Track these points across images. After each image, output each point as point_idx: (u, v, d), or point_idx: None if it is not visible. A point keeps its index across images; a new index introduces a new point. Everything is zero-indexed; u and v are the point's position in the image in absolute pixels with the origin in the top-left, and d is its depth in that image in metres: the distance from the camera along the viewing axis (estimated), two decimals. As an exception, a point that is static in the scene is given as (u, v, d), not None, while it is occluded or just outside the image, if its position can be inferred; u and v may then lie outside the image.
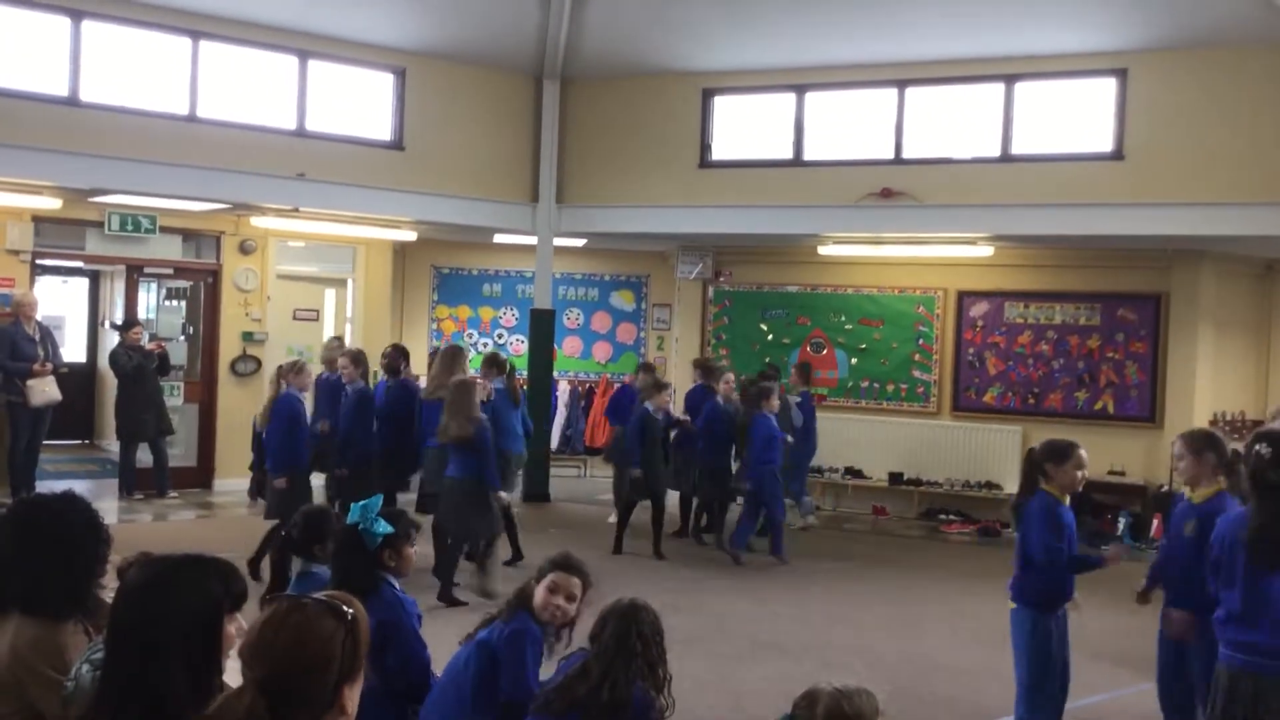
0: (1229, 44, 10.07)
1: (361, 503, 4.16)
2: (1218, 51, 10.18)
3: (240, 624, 2.41)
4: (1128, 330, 11.95)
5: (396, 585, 4.12)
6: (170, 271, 12.36)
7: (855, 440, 12.62)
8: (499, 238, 13.30)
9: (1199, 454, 4.91)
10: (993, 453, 12.30)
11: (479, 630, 4.07)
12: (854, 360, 13.07)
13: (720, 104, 12.29)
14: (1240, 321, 11.97)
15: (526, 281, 13.87)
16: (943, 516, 12.23)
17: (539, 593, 4.00)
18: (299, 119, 11.40)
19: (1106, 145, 10.73)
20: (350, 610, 2.18)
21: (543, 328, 12.71)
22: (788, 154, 11.99)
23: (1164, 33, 10.17)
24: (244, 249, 12.33)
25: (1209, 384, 11.68)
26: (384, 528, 4.06)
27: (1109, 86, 10.71)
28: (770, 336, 13.42)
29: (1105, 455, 11.12)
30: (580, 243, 13.54)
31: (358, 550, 4.04)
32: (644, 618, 3.75)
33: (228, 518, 11.08)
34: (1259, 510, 4.17)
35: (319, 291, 13.46)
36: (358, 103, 11.83)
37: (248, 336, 12.40)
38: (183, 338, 12.64)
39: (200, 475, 12.27)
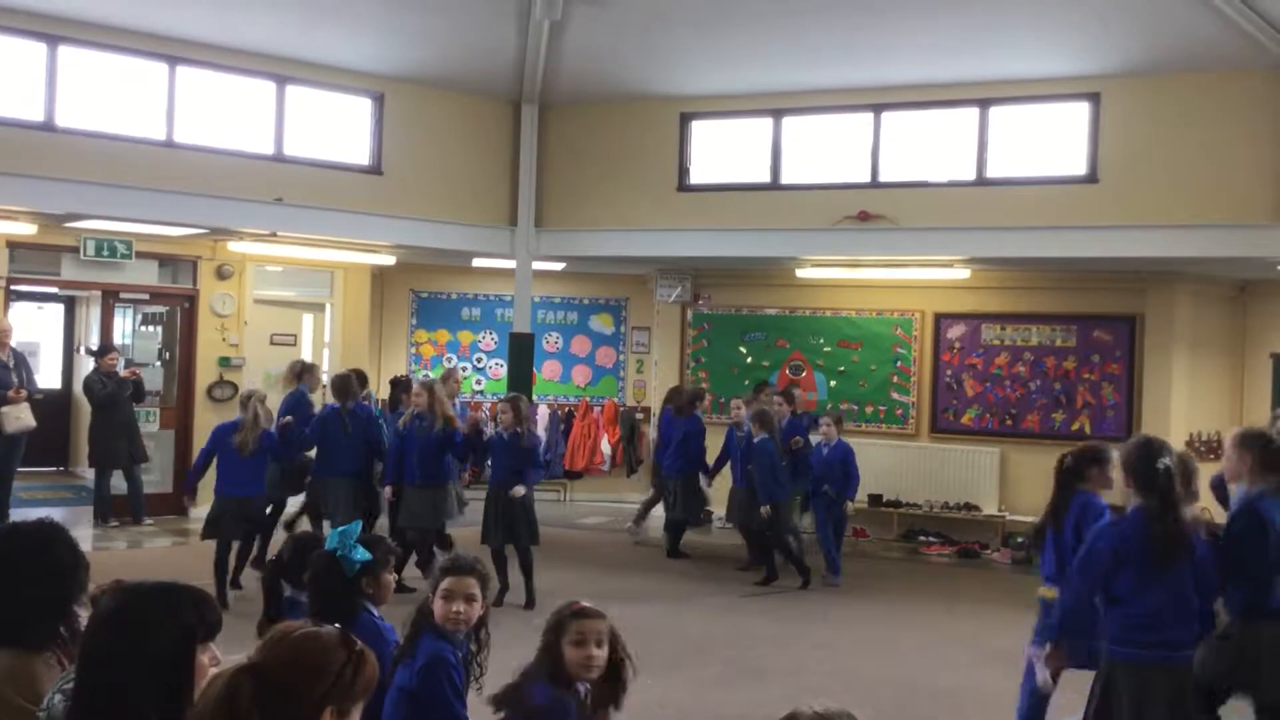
0: (1200, 68, 10.20)
1: (340, 529, 4.12)
2: (1189, 75, 10.31)
3: (214, 654, 2.38)
4: (1103, 351, 12.05)
5: (375, 613, 4.07)
6: (146, 297, 12.29)
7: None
8: (477, 262, 13.29)
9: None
10: (971, 474, 12.34)
11: (393, 669, 3.80)
12: (833, 383, 13.11)
13: (698, 128, 12.36)
14: (1214, 343, 12.08)
15: (505, 305, 13.87)
16: (922, 538, 12.25)
17: (436, 606, 3.83)
18: (277, 144, 11.39)
19: (1080, 168, 10.84)
20: (361, 646, 2.20)
21: (522, 351, 12.69)
22: (765, 177, 12.05)
23: (1136, 57, 10.30)
24: (221, 274, 12.28)
25: (1184, 405, 11.77)
26: (362, 554, 4.01)
27: (1082, 110, 10.83)
28: (749, 359, 13.45)
29: (1083, 476, 11.16)
30: (559, 266, 13.55)
31: (335, 577, 3.98)
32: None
33: (204, 545, 10.95)
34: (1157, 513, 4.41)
35: (297, 316, 13.41)
36: (336, 127, 11.83)
37: (224, 362, 12.33)
38: (159, 363, 12.56)
39: (176, 502, 12.10)
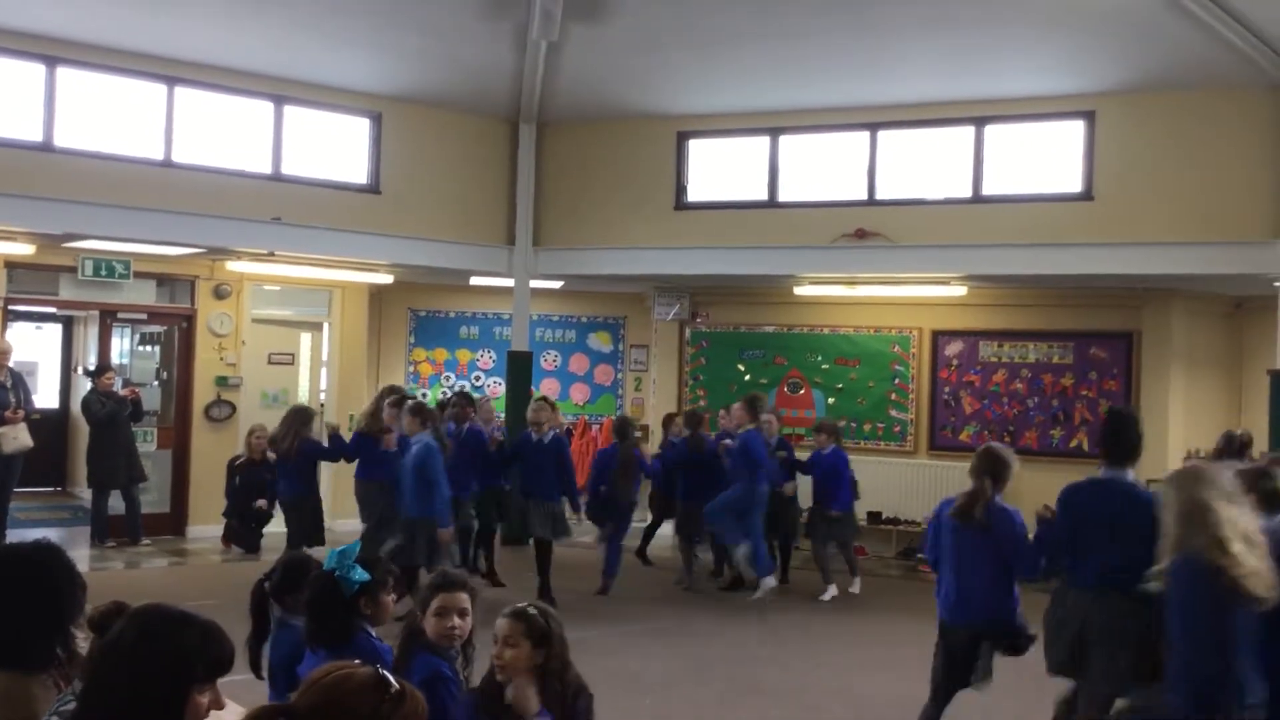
0: (1194, 87, 10.25)
1: (339, 549, 4.09)
2: (1183, 94, 10.36)
3: (216, 696, 2.29)
4: (1100, 368, 12.06)
5: (373, 634, 4.05)
6: (144, 316, 12.29)
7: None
8: (475, 280, 13.31)
9: None
10: (970, 491, 12.30)
11: None
12: (831, 400, 13.11)
13: (695, 146, 12.39)
14: (1211, 359, 12.09)
15: (504, 324, 13.87)
16: (920, 555, 12.21)
17: (429, 623, 3.84)
18: (274, 163, 11.41)
19: (1076, 186, 10.88)
20: (400, 687, 2.14)
21: (520, 370, 12.70)
22: (763, 195, 12.08)
23: (1130, 76, 10.34)
24: (219, 293, 12.28)
25: (1181, 421, 11.77)
26: (361, 575, 3.98)
27: (1077, 129, 10.87)
28: (748, 377, 13.45)
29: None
30: (557, 285, 13.56)
31: (333, 598, 3.95)
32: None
33: (201, 565, 10.95)
34: None
35: (295, 335, 13.41)
36: (334, 147, 11.86)
37: (222, 381, 12.32)
38: (156, 383, 12.54)
39: (174, 522, 12.13)
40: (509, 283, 12.67)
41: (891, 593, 10.81)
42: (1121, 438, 5.43)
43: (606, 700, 3.80)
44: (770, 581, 9.85)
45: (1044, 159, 11.11)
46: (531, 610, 3.66)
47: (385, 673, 2.19)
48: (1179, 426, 11.71)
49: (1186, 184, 10.36)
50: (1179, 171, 10.41)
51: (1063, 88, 10.70)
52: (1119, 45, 9.95)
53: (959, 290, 12.04)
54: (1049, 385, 12.22)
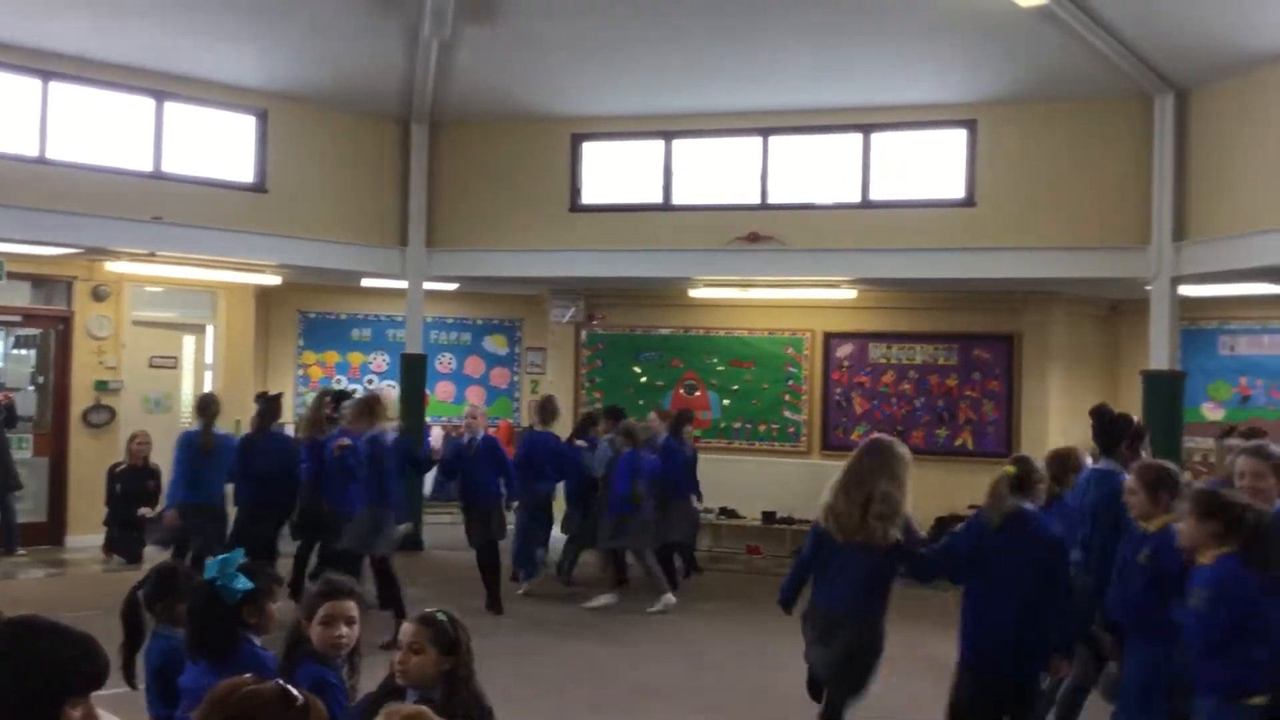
0: (1069, 97, 10.64)
1: (221, 556, 4.00)
2: (1059, 104, 10.74)
3: (90, 709, 2.21)
4: (984, 369, 12.43)
5: (257, 643, 3.96)
6: (19, 319, 11.84)
7: (729, 480, 12.73)
8: (367, 282, 13.10)
9: (1154, 490, 5.00)
10: (860, 490, 12.55)
11: None
12: (726, 401, 13.25)
13: (590, 149, 12.41)
14: (1089, 360, 12.57)
15: (397, 326, 13.69)
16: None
17: (315, 631, 3.76)
18: (155, 161, 11.07)
19: (959, 192, 11.20)
20: (305, 700, 2.12)
21: (414, 373, 12.55)
22: (658, 198, 12.16)
23: (1009, 86, 10.68)
24: (97, 295, 11.87)
25: (1060, 420, 12.20)
26: (243, 583, 3.90)
27: (960, 137, 11.20)
28: (644, 379, 13.51)
29: (965, 491, 11.43)
30: (452, 287, 13.44)
31: (215, 607, 3.86)
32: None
33: (81, 575, 10.58)
34: None
35: (177, 338, 13.06)
36: (218, 145, 11.55)
37: (101, 385, 11.91)
38: (32, 388, 12.07)
39: (51, 531, 11.70)
40: (402, 284, 12.51)
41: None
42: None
43: (503, 708, 3.76)
44: (605, 599, 9.85)
45: (929, 166, 11.41)
46: (440, 616, 3.59)
47: (288, 686, 2.16)
48: (1057, 425, 12.14)
49: (1063, 191, 10.74)
50: (1056, 179, 10.79)
51: (946, 97, 11.01)
52: (999, 56, 10.28)
53: (849, 293, 12.29)
54: (935, 386, 12.56)
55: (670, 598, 9.73)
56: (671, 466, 10.38)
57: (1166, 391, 10.38)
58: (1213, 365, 12.02)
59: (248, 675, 2.26)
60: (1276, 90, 9.26)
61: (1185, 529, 4.45)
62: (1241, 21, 8.92)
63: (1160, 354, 10.38)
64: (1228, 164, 9.82)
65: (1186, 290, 10.51)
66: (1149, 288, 10.47)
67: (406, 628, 3.58)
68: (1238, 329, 11.96)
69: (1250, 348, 11.92)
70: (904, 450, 5.67)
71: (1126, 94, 10.38)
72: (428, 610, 3.65)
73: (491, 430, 14.06)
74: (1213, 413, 11.90)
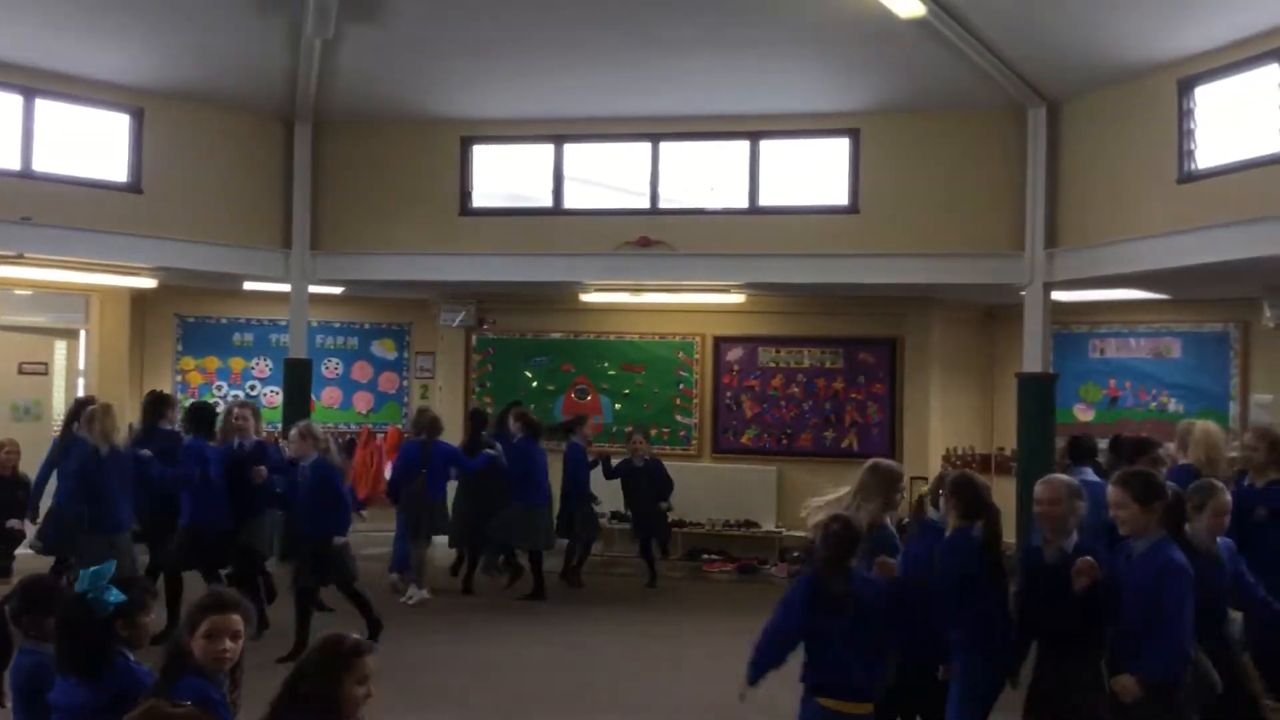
0: (949, 108, 10.96)
1: (92, 569, 3.88)
2: (938, 114, 11.06)
3: None
4: (868, 373, 12.72)
5: (131, 657, 3.85)
6: None
7: (619, 485, 12.76)
8: (249, 285, 12.76)
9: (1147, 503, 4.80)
10: (750, 492, 12.76)
11: None
12: (618, 405, 13.29)
13: (480, 152, 12.31)
14: (967, 363, 12.97)
15: (281, 330, 13.37)
16: (705, 556, 12.54)
17: (198, 645, 3.65)
18: (24, 159, 10.62)
19: (843, 200, 11.44)
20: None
21: (298, 378, 12.27)
22: (548, 202, 12.13)
23: (891, 96, 10.96)
24: (-40, 298, 11.33)
25: (941, 422, 12.58)
26: (116, 596, 3.79)
27: (844, 145, 11.44)
28: (535, 383, 13.46)
29: (852, 491, 11.74)
30: (337, 290, 13.18)
31: (86, 621, 3.75)
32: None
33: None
34: None
35: (48, 343, 12.58)
36: (92, 143, 11.13)
37: (-36, 393, 11.37)
38: (-114, 396, 11.46)
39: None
40: (285, 288, 12.22)
41: (678, 593, 11.05)
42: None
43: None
44: (420, 592, 10.09)
45: (815, 173, 11.63)
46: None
47: (202, 709, 2.13)
48: (938, 426, 12.51)
49: (941, 199, 11.06)
50: (934, 187, 11.10)
51: (830, 106, 11.23)
52: (880, 67, 10.54)
53: (738, 298, 12.44)
54: (822, 389, 12.80)
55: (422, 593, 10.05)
56: (573, 469, 11.08)
57: (1040, 393, 10.77)
58: (1083, 368, 12.51)
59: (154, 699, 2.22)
60: (1142, 102, 9.69)
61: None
62: (1109, 36, 9.31)
63: (1034, 357, 10.76)
64: (1097, 174, 10.24)
65: (1058, 296, 10.92)
66: (1023, 293, 10.83)
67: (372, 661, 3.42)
68: (1107, 333, 12.47)
69: (1119, 351, 12.44)
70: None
71: (1002, 106, 10.74)
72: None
73: (379, 438, 13.94)
74: (1084, 414, 12.39)
